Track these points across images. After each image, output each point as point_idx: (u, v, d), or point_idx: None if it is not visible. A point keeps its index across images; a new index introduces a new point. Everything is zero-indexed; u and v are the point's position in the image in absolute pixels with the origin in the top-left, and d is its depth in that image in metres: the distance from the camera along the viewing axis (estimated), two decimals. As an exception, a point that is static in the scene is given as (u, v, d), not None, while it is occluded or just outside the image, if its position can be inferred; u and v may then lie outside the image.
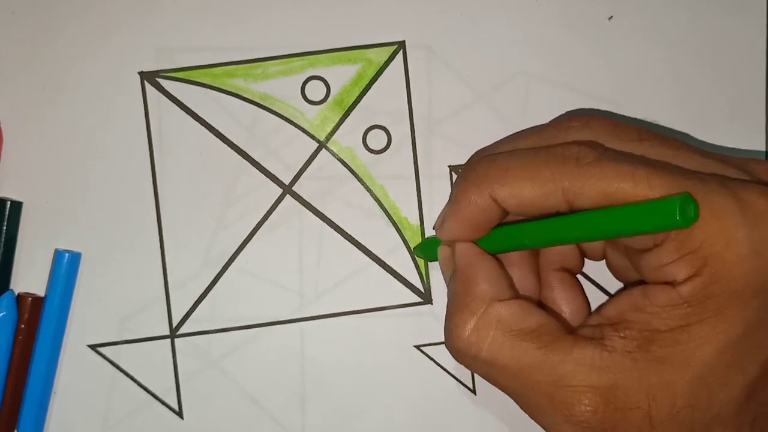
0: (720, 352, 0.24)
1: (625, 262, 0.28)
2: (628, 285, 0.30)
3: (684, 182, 0.24)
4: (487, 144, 0.30)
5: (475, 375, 0.32)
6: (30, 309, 0.30)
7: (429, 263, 0.32)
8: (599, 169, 0.24)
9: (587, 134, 0.27)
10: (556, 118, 0.30)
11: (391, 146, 0.32)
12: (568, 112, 0.32)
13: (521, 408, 0.27)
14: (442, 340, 0.32)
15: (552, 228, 0.26)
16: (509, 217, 0.28)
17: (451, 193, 0.29)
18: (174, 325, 0.32)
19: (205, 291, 0.32)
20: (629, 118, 0.32)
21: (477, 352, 0.26)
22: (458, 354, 0.27)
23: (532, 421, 0.32)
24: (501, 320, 0.26)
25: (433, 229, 0.31)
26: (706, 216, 0.23)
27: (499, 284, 0.27)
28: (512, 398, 0.27)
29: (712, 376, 0.24)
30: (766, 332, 0.24)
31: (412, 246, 0.32)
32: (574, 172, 0.25)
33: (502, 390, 0.27)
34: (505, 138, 0.30)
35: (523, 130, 0.30)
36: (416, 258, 0.32)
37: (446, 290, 0.29)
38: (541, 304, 0.30)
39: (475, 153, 0.30)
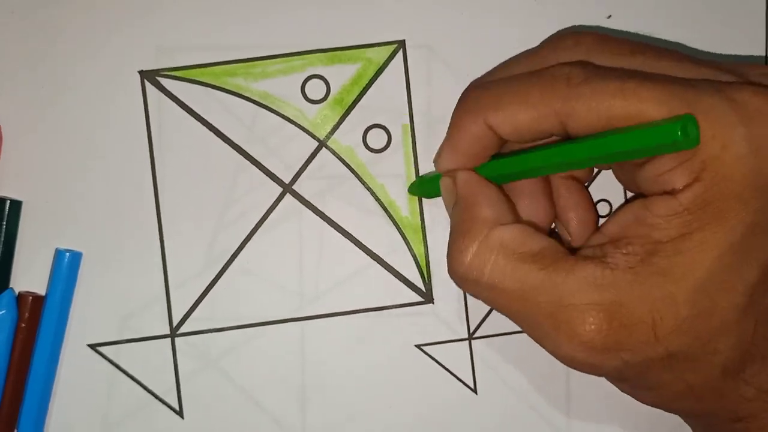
0: (720, 257, 0.24)
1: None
2: (630, 199, 0.30)
3: (674, 90, 0.24)
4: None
5: (476, 375, 0.33)
6: (30, 308, 0.31)
7: (432, 268, 0.33)
8: (589, 88, 0.25)
9: (579, 52, 0.27)
10: (548, 38, 0.30)
11: (391, 145, 0.32)
12: (558, 31, 0.32)
13: (525, 332, 0.27)
14: (444, 339, 0.33)
15: (550, 156, 0.26)
16: (509, 146, 0.28)
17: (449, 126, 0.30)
18: (174, 324, 0.32)
19: (205, 290, 0.32)
20: (621, 32, 0.32)
21: (479, 276, 0.26)
22: (460, 280, 0.27)
23: (532, 420, 0.33)
24: (503, 244, 0.26)
25: (433, 163, 0.31)
26: (701, 120, 0.23)
27: (500, 209, 0.27)
28: (516, 323, 0.27)
29: (713, 283, 0.24)
30: (765, 234, 0.24)
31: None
32: (565, 93, 0.25)
33: (506, 314, 0.27)
34: (499, 65, 0.30)
35: (515, 55, 0.30)
36: (418, 260, 0.33)
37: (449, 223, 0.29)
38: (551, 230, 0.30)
39: (471, 84, 0.30)
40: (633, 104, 0.24)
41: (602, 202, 0.33)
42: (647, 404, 0.28)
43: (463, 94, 0.29)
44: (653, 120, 0.24)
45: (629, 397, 0.30)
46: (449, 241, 0.28)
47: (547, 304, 0.25)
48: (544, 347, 0.27)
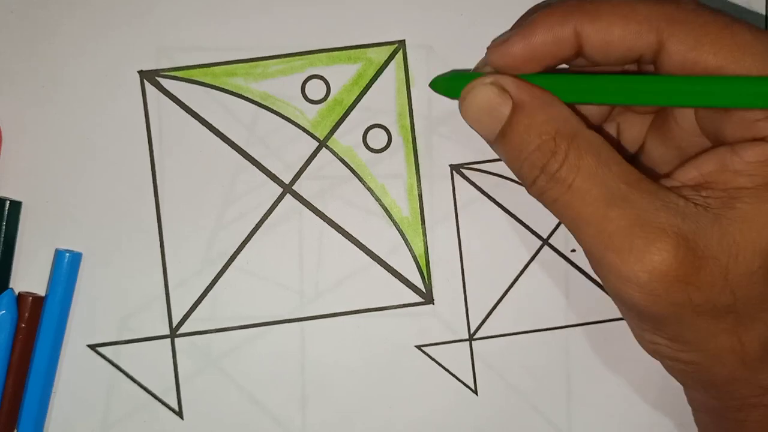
0: None
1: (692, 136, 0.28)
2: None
3: None
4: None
5: (477, 375, 0.33)
6: (30, 308, 0.31)
7: (432, 269, 0.33)
8: (698, 15, 0.25)
9: None
10: None
11: (391, 145, 0.33)
12: None
13: (587, 250, 0.26)
14: (444, 340, 0.33)
15: (643, 83, 0.25)
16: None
17: (525, 19, 0.28)
18: (174, 324, 0.32)
19: (205, 290, 0.32)
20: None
21: (572, 176, 0.25)
22: (552, 182, 0.26)
23: (532, 421, 0.33)
24: (595, 145, 0.25)
25: (487, 50, 0.28)
26: None
27: (578, 116, 0.26)
28: (582, 234, 0.26)
29: None
30: None
31: None
32: (673, 13, 0.25)
33: (577, 222, 0.26)
34: None
35: None
36: (418, 261, 0.33)
37: (496, 145, 0.27)
38: None
39: None
40: (738, 43, 0.24)
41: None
42: (675, 363, 0.27)
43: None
44: (752, 65, 0.24)
45: (629, 398, 0.31)
46: (521, 147, 0.26)
47: (627, 216, 0.24)
48: (602, 266, 0.25)
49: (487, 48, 0.28)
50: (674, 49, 0.25)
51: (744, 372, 0.27)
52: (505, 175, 0.32)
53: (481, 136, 0.28)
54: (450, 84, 0.30)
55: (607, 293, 0.28)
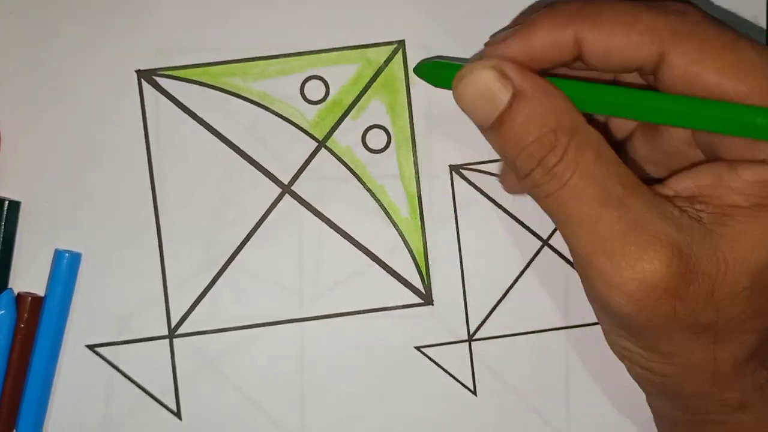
0: None
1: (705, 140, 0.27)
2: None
3: None
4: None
5: (476, 376, 0.33)
6: (30, 308, 0.32)
7: (431, 269, 0.33)
8: (704, 28, 0.24)
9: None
10: None
11: (390, 146, 0.33)
12: None
13: (575, 251, 0.25)
14: (443, 341, 0.33)
15: (639, 99, 0.25)
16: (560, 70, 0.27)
17: (525, 18, 0.27)
18: (173, 325, 0.33)
19: (203, 291, 0.33)
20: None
21: (568, 172, 0.25)
22: (549, 177, 0.25)
23: (532, 422, 0.33)
24: (593, 143, 0.25)
25: (485, 44, 0.28)
26: None
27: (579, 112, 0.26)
28: (572, 234, 0.25)
29: None
30: None
31: None
32: (678, 25, 0.24)
33: (564, 220, 0.25)
34: None
35: None
36: (417, 261, 0.33)
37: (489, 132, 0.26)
38: None
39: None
40: (742, 61, 0.23)
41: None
42: (645, 372, 0.27)
43: (558, 3, 0.27)
44: (753, 86, 0.23)
45: (628, 399, 0.31)
46: (519, 137, 0.25)
47: (622, 220, 0.24)
48: (589, 269, 0.25)
49: (485, 44, 0.28)
50: (676, 62, 0.24)
51: (713, 389, 0.27)
52: (504, 175, 0.33)
53: (475, 121, 0.27)
54: (438, 71, 0.29)
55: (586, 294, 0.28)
